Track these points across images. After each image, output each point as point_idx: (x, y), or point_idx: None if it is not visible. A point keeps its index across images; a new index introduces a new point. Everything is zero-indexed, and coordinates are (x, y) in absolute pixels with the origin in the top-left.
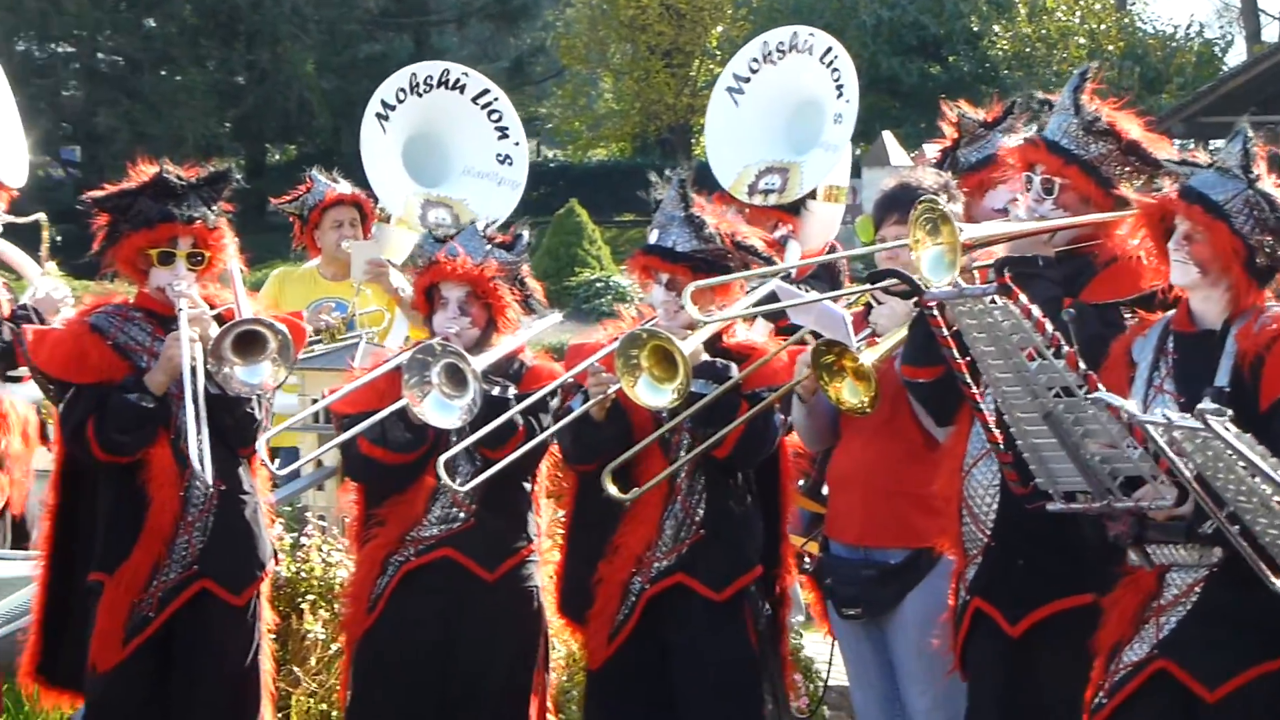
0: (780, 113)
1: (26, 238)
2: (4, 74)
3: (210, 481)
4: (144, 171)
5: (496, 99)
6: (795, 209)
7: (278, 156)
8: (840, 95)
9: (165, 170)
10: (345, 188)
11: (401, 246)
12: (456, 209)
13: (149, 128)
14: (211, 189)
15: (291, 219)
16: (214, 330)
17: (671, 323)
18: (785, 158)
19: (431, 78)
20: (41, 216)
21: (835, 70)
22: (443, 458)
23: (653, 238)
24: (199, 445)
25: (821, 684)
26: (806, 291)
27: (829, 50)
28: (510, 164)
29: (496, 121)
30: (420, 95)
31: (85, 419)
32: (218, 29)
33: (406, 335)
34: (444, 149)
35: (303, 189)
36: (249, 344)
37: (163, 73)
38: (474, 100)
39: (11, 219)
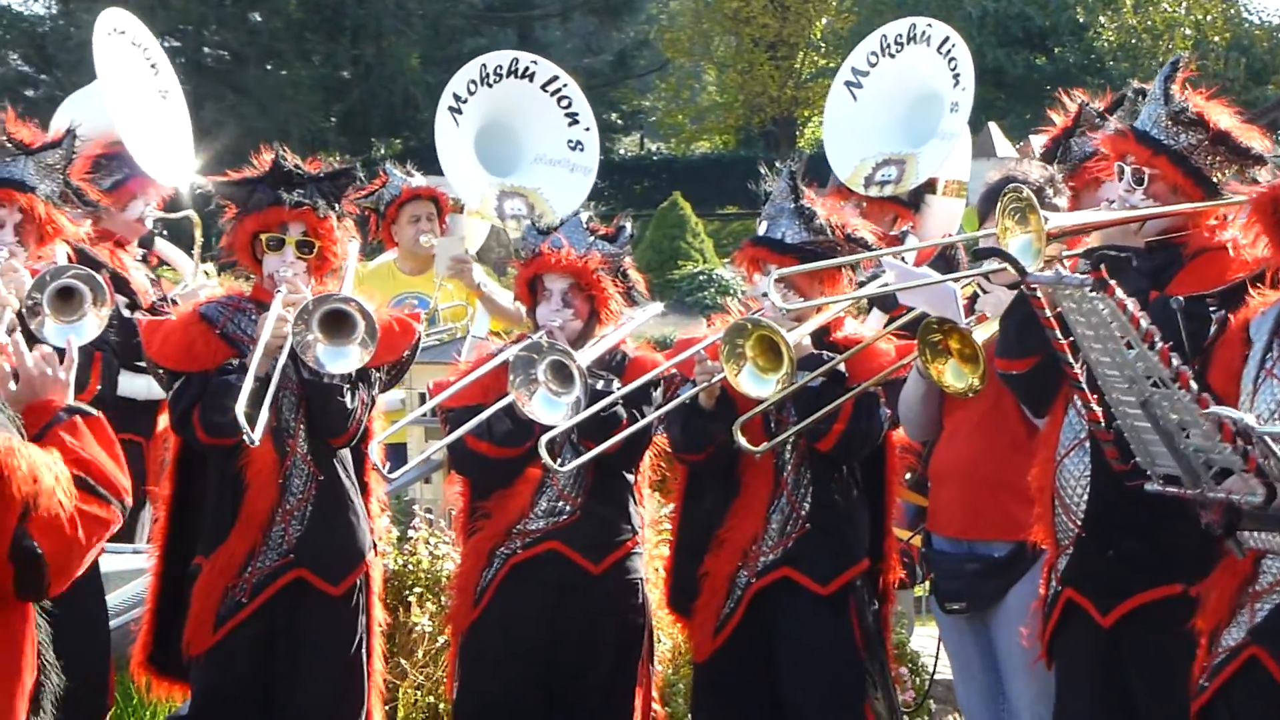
0: (898, 105)
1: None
2: (178, 83)
3: (256, 439)
4: (264, 161)
5: (565, 85)
6: (915, 204)
7: (382, 151)
8: (957, 84)
9: (282, 158)
10: (420, 181)
11: (476, 238)
12: (531, 198)
13: (254, 122)
14: (332, 184)
15: (367, 213)
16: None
17: (778, 314)
18: (902, 149)
19: (501, 67)
20: (192, 214)
21: (952, 59)
22: (545, 437)
23: (762, 229)
24: (252, 409)
25: (928, 677)
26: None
27: (946, 39)
28: (582, 150)
29: (566, 108)
30: (490, 85)
31: (192, 405)
32: (323, 23)
33: (488, 329)
34: (516, 138)
35: (377, 183)
36: (338, 326)
37: (268, 67)
38: (543, 87)
39: (164, 216)
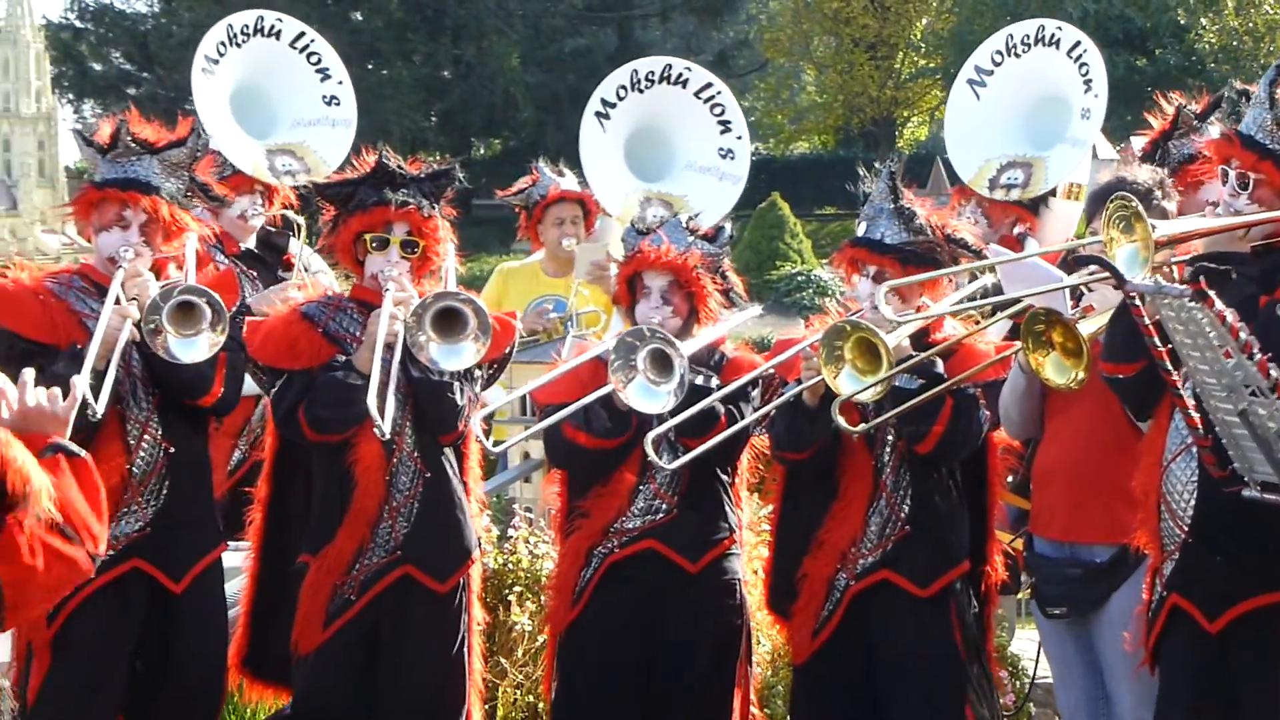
0: (1022, 106)
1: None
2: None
3: (386, 432)
4: (366, 161)
5: (719, 93)
6: (1035, 206)
7: (482, 150)
8: (1089, 90)
9: (385, 158)
10: (569, 182)
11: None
12: (676, 205)
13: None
14: (433, 184)
15: (517, 210)
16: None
17: (877, 315)
18: (1027, 152)
19: (653, 73)
20: (294, 215)
21: (1084, 65)
22: (651, 434)
23: (861, 229)
24: (379, 404)
25: (1028, 681)
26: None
27: (1077, 44)
28: (732, 158)
29: (719, 115)
30: (641, 92)
31: (296, 403)
32: (424, 23)
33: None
34: (667, 144)
35: (528, 181)
36: (450, 323)
37: (369, 67)
38: (696, 94)
39: (266, 212)
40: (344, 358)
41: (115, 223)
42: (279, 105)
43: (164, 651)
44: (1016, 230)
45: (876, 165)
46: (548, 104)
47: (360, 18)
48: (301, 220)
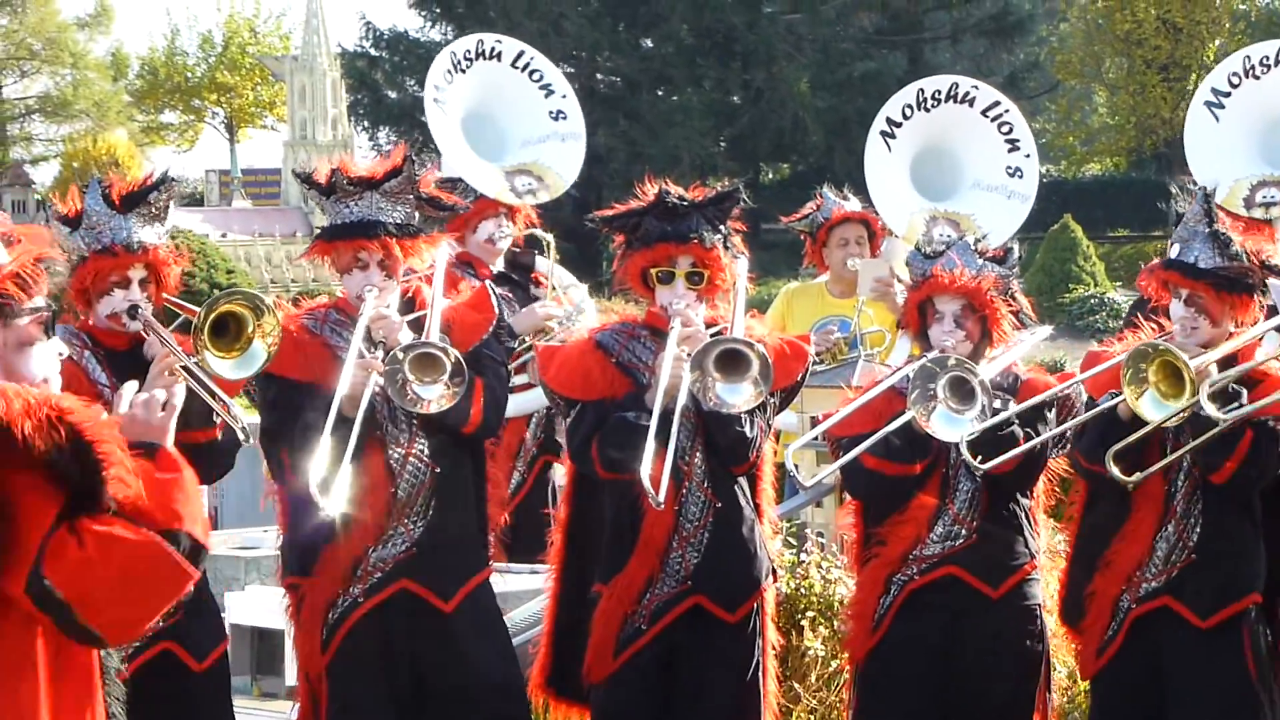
0: (1260, 127)
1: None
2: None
3: (662, 501)
4: (648, 192)
5: (1007, 111)
6: None
7: (771, 175)
8: None
9: (666, 191)
10: (854, 205)
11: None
12: (963, 224)
13: (646, 147)
14: (717, 209)
15: (802, 236)
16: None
17: (1187, 340)
18: (1274, 172)
19: (940, 92)
20: (543, 233)
21: None
22: (966, 437)
23: (1173, 252)
24: (660, 460)
25: None
26: None
27: None
28: (1020, 177)
29: (1007, 134)
30: (928, 111)
31: (590, 436)
32: (714, 48)
33: (910, 355)
34: (954, 163)
35: (812, 206)
36: (733, 363)
37: (659, 92)
38: (984, 113)
39: (515, 232)
40: (635, 393)
41: (353, 265)
42: (508, 126)
43: (448, 673)
44: None
45: (1188, 186)
46: (837, 128)
47: (651, 44)
48: (550, 237)
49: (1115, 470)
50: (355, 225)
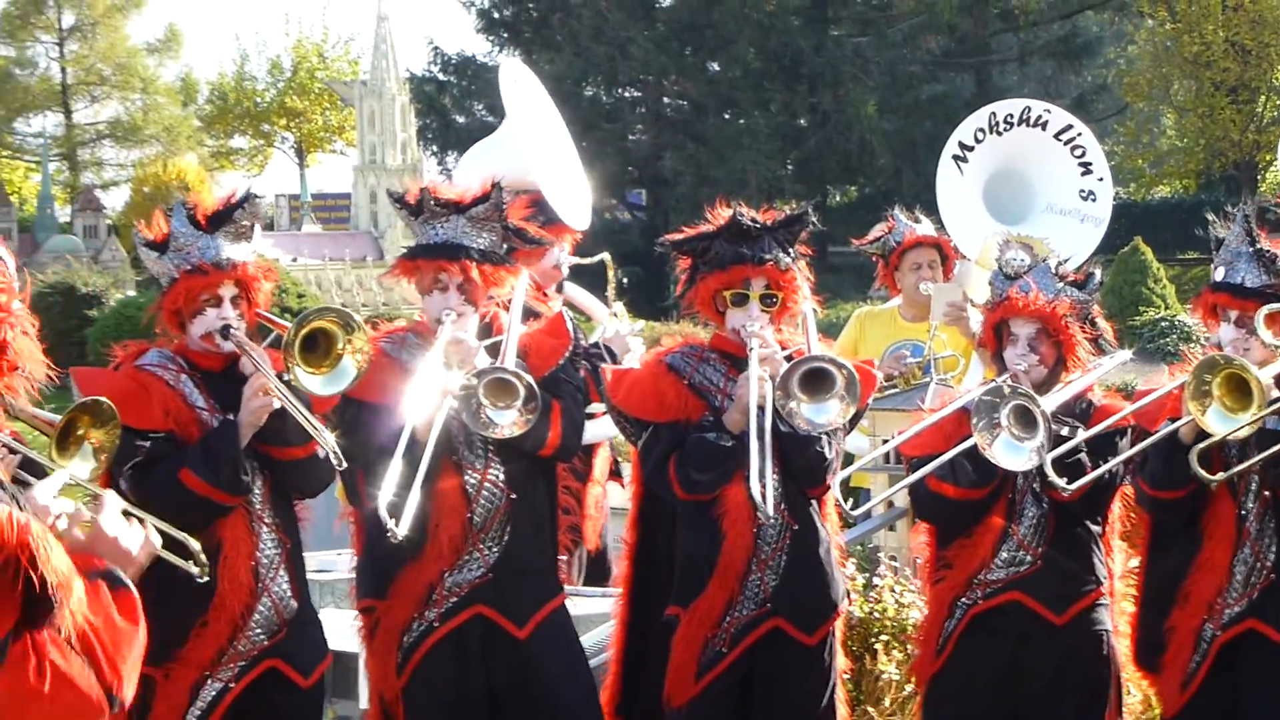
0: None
1: (591, 280)
2: (564, 119)
3: (770, 513)
4: (719, 215)
5: (1080, 134)
6: None
7: (838, 198)
8: None
9: (739, 213)
10: (927, 229)
11: (982, 287)
12: (1036, 248)
13: (712, 171)
14: (787, 231)
15: (874, 259)
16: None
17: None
18: None
19: (1012, 116)
20: (606, 257)
21: None
22: (1050, 456)
23: (1219, 275)
24: (761, 481)
25: None
26: None
27: None
28: (1094, 200)
29: (1080, 157)
30: (1000, 134)
31: (665, 458)
32: (781, 72)
33: (984, 378)
34: (1026, 187)
35: (884, 228)
36: (816, 382)
37: (726, 116)
38: (1057, 136)
39: (576, 260)
40: (711, 416)
41: (434, 286)
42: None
43: (524, 699)
44: None
45: (1228, 209)
46: (904, 150)
47: (718, 67)
48: (608, 258)
49: (1199, 469)
50: (439, 246)
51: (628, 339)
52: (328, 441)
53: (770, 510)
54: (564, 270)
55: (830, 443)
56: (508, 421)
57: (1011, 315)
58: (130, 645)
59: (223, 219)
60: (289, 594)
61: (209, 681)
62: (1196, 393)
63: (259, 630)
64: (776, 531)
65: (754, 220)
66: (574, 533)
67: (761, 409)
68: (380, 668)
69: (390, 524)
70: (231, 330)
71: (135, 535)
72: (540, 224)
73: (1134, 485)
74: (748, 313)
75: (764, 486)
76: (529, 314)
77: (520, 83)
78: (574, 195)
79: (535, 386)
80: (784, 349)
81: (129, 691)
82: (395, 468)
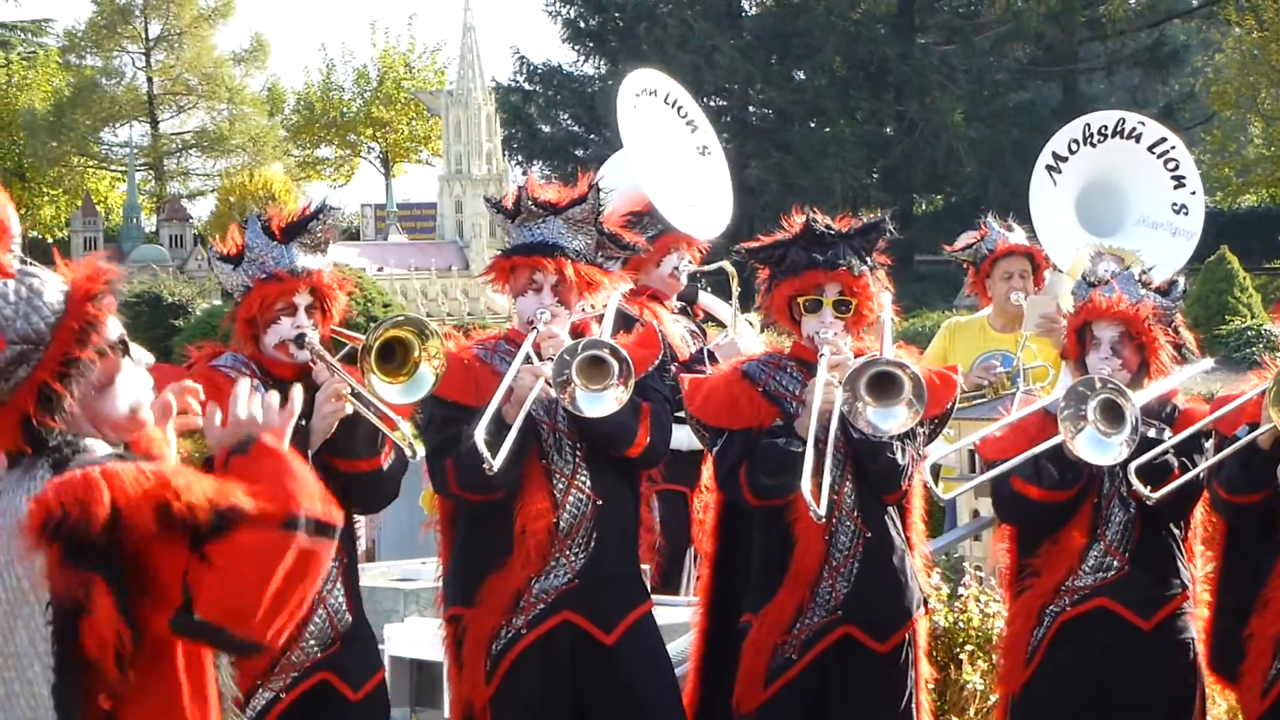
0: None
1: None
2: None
3: (821, 513)
4: (795, 222)
5: (1174, 147)
6: None
7: (924, 206)
8: None
9: (813, 220)
10: (1019, 237)
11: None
12: (1128, 260)
13: (798, 179)
14: (863, 239)
15: (965, 265)
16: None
17: None
18: None
19: (1106, 127)
20: (727, 265)
21: None
22: (1135, 464)
23: None
24: (815, 481)
25: None
26: None
27: None
28: (1186, 214)
29: (1173, 170)
30: (1094, 146)
31: (738, 464)
32: (867, 80)
33: None
34: (1119, 199)
35: (976, 236)
36: (885, 386)
37: (812, 124)
38: (1150, 149)
39: (695, 268)
40: (783, 422)
41: (528, 287)
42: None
43: (611, 706)
44: None
45: None
46: (991, 159)
47: (803, 76)
48: (731, 268)
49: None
50: (535, 245)
51: (739, 347)
52: (404, 434)
53: (821, 510)
54: (682, 279)
55: (904, 449)
56: (611, 399)
57: (1095, 318)
58: (282, 470)
59: (298, 229)
60: (344, 607)
61: (260, 690)
62: (1277, 399)
63: (313, 642)
64: (850, 538)
65: (828, 227)
66: (679, 538)
67: (828, 413)
68: (469, 675)
69: (486, 455)
70: (306, 338)
71: (271, 409)
72: (656, 233)
73: (1210, 490)
74: (821, 319)
75: (817, 486)
76: (625, 322)
77: (651, 94)
78: (702, 204)
79: (630, 360)
80: (859, 356)
81: (315, 504)
82: (493, 407)
